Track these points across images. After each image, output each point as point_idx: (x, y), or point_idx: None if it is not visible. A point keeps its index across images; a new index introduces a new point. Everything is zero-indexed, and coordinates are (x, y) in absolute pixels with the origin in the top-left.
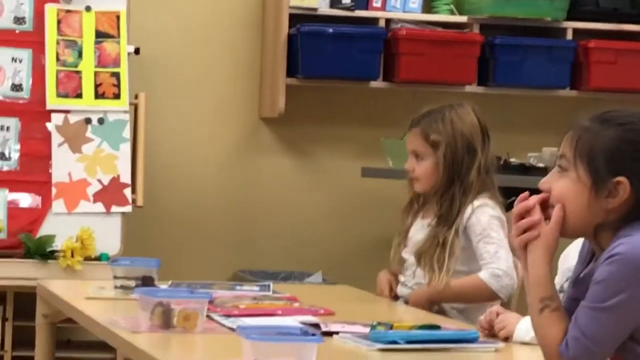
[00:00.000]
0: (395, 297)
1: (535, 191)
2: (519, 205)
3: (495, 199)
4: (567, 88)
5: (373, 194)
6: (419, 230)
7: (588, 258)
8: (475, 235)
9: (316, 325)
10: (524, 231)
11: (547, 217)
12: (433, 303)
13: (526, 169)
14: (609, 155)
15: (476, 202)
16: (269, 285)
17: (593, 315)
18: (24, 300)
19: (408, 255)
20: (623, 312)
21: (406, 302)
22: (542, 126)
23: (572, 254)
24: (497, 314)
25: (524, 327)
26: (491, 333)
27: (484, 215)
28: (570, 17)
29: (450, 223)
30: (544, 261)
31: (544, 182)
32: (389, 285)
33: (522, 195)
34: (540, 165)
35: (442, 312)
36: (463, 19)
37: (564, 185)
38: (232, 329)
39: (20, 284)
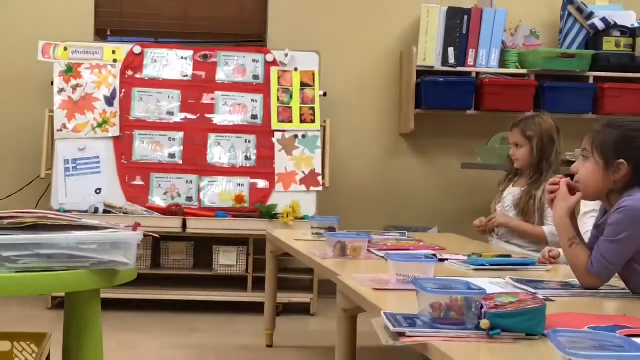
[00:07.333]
0: (484, 231)
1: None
2: (549, 180)
3: None
4: (590, 113)
5: (469, 179)
6: (510, 193)
7: (603, 213)
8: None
9: (434, 255)
10: (551, 193)
11: (572, 192)
12: (509, 226)
13: (570, 163)
14: (614, 146)
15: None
16: (405, 233)
17: (609, 245)
18: (259, 243)
19: (499, 207)
20: (627, 243)
21: (497, 224)
22: (577, 136)
23: (584, 220)
24: (549, 251)
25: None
26: (548, 261)
27: None
28: (591, 69)
29: (538, 186)
30: (565, 215)
31: (573, 167)
32: (481, 221)
33: (553, 179)
34: (573, 159)
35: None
36: (524, 71)
37: (587, 167)
38: (382, 257)
39: (257, 234)
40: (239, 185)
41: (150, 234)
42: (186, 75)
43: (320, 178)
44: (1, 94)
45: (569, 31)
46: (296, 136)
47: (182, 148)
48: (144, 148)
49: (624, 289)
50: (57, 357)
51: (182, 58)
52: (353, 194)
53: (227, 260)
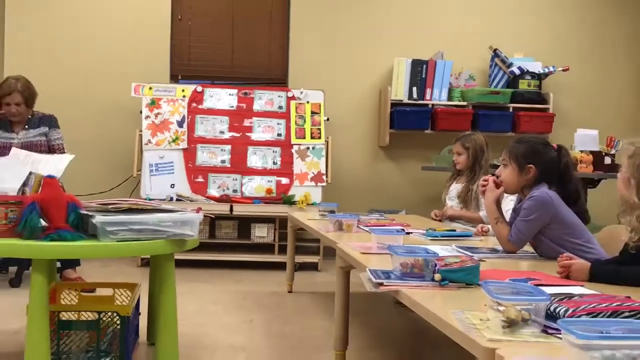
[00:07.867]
0: (440, 220)
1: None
2: (482, 178)
3: None
4: (510, 132)
5: (426, 178)
6: (455, 188)
7: (519, 200)
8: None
9: (403, 229)
10: (482, 187)
11: (497, 186)
12: (454, 216)
13: (496, 166)
14: (523, 156)
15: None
16: (383, 214)
17: (523, 223)
18: (283, 221)
19: (448, 200)
20: (535, 221)
21: (447, 216)
22: (501, 148)
23: (507, 201)
24: (482, 227)
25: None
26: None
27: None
28: (511, 102)
29: (473, 182)
30: (492, 202)
31: (497, 172)
32: (436, 213)
33: (484, 177)
34: (498, 163)
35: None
36: (465, 103)
37: (506, 172)
38: (367, 231)
39: (280, 215)
40: (268, 181)
41: (208, 215)
42: (232, 106)
43: (324, 177)
44: (105, 120)
45: (496, 75)
46: (308, 148)
47: (230, 156)
48: (204, 156)
49: (533, 253)
50: (144, 300)
51: (229, 94)
52: (347, 188)
53: (261, 233)
